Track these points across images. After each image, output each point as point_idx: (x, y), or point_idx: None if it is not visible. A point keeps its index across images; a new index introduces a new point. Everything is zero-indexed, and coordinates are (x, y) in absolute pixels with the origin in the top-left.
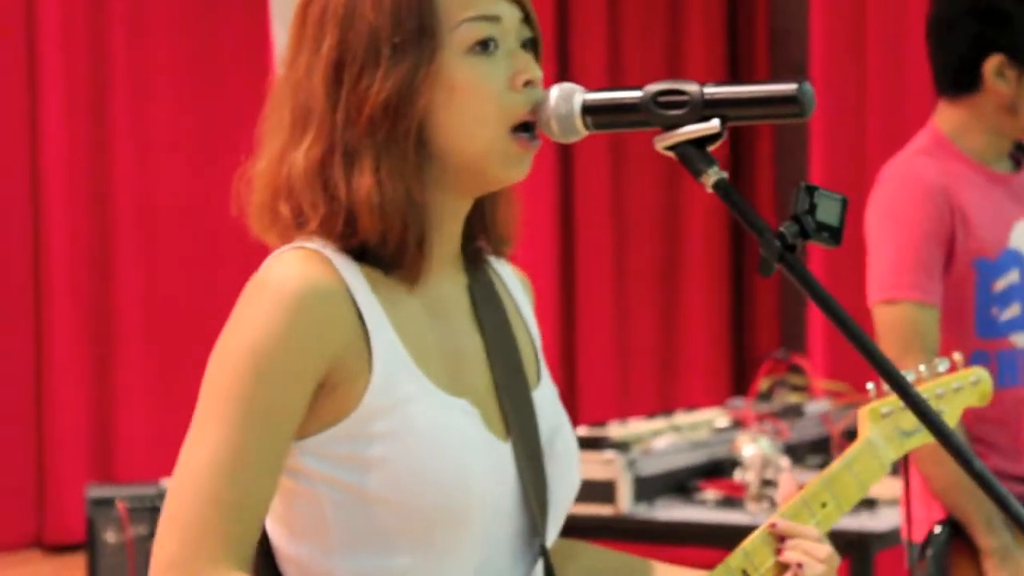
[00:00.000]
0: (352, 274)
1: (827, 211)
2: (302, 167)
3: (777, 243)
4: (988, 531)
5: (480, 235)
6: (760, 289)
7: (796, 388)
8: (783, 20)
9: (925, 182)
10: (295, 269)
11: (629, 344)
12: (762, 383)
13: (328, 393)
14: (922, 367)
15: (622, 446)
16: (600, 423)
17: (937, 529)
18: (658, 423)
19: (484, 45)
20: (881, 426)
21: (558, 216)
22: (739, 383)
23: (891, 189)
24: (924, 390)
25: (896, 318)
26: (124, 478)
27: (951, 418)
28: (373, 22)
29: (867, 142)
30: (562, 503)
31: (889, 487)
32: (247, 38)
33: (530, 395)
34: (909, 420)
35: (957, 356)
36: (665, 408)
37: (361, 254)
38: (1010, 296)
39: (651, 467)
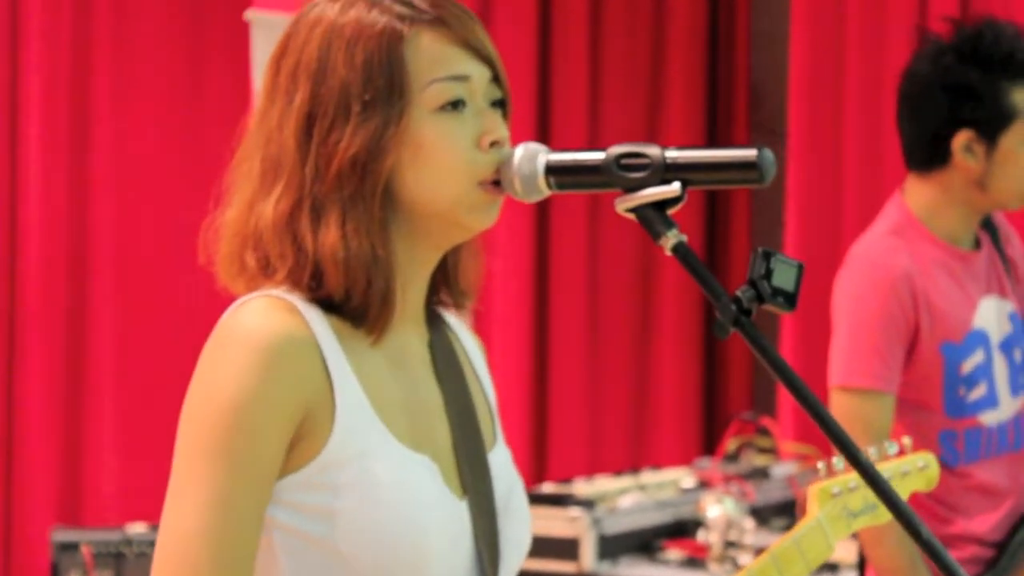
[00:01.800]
0: (319, 324)
1: (783, 276)
2: (270, 218)
3: (733, 307)
4: None
5: (443, 289)
6: (732, 350)
7: (763, 450)
8: (762, 82)
9: (892, 270)
10: (263, 318)
11: (600, 402)
12: (730, 444)
13: (297, 443)
14: (872, 449)
15: (587, 504)
16: (567, 480)
17: None
18: (624, 481)
19: (453, 105)
20: (830, 506)
21: (533, 273)
22: (709, 443)
23: (857, 273)
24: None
25: (850, 405)
26: (91, 523)
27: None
28: (344, 78)
29: (843, 205)
30: (514, 562)
31: (851, 551)
32: (230, 77)
33: (486, 455)
34: (857, 501)
35: (906, 440)
36: (635, 467)
37: (328, 305)
38: (977, 377)
39: (616, 525)
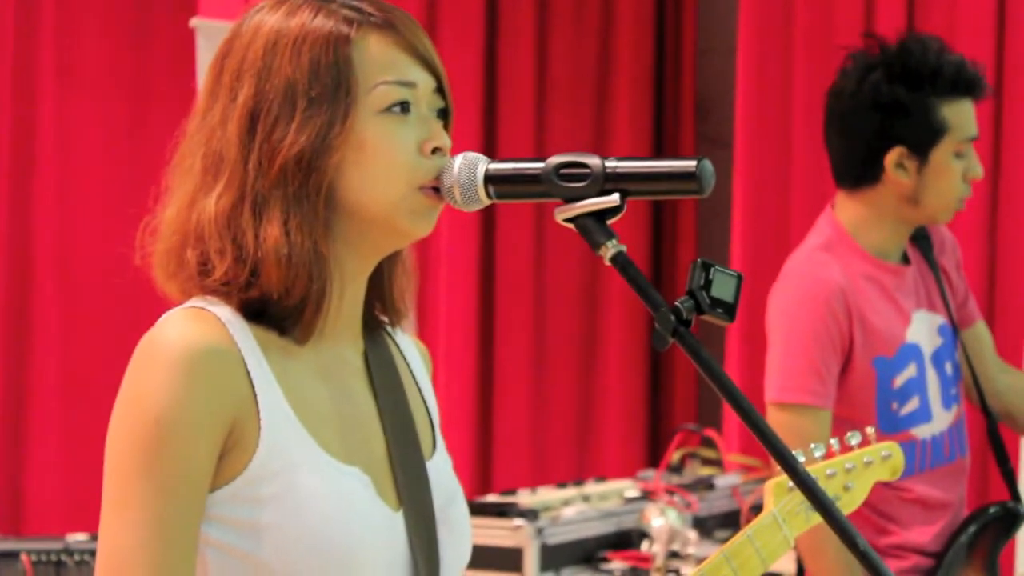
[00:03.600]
0: (243, 334)
1: (722, 287)
2: (212, 213)
3: (672, 318)
4: None
5: (377, 304)
6: (678, 362)
7: (708, 461)
8: (710, 93)
9: (825, 286)
10: (182, 331)
11: (545, 413)
12: (674, 455)
13: (225, 455)
14: (833, 441)
15: (530, 514)
16: (510, 491)
17: None
18: (568, 492)
19: (398, 108)
20: (786, 500)
21: (478, 284)
22: (654, 455)
23: (790, 289)
24: (833, 464)
25: (787, 421)
26: (31, 532)
27: (860, 492)
28: (290, 75)
29: (790, 216)
30: (453, 573)
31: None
32: (175, 84)
33: (424, 465)
34: None
35: (870, 430)
36: (580, 478)
37: (258, 311)
38: (909, 390)
39: (559, 536)
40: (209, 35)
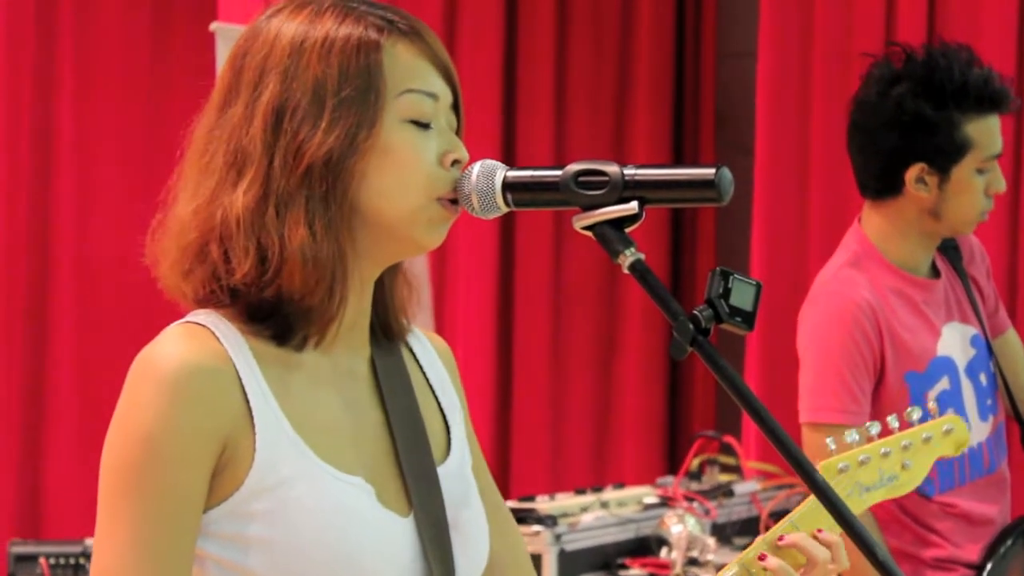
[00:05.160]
0: (239, 349)
1: (741, 296)
2: (238, 211)
3: (690, 326)
4: None
5: (381, 314)
6: (697, 368)
7: (727, 468)
8: (730, 99)
9: (855, 304)
10: (176, 348)
11: (564, 419)
12: (693, 462)
13: (220, 473)
14: (891, 418)
15: (549, 520)
16: (528, 497)
17: None
18: (587, 498)
19: (422, 120)
20: (837, 482)
21: (497, 290)
22: (673, 461)
23: (820, 307)
24: (888, 442)
25: (821, 442)
26: (49, 535)
27: (920, 469)
28: (320, 75)
29: (809, 223)
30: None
31: None
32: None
33: (435, 469)
34: (869, 475)
35: (932, 404)
36: (598, 484)
37: (267, 313)
38: (943, 404)
39: (577, 542)
40: (228, 39)
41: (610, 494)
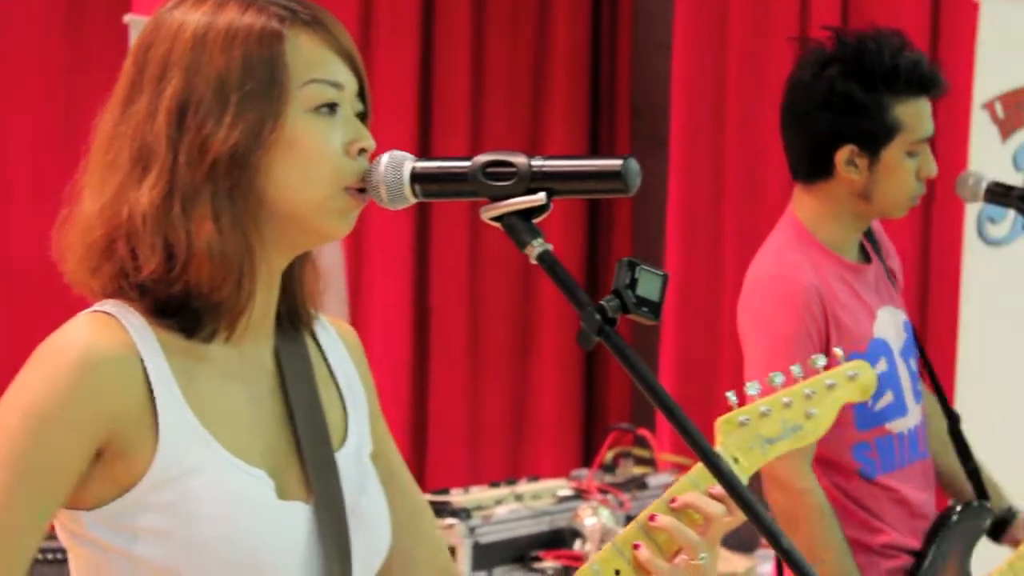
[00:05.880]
0: (146, 339)
1: (648, 286)
2: (144, 206)
3: (597, 316)
4: None
5: (288, 303)
6: (612, 361)
7: (641, 460)
8: (646, 91)
9: (802, 287)
10: (82, 334)
11: (480, 412)
12: (607, 454)
13: (110, 463)
14: (795, 367)
15: (463, 513)
16: (443, 490)
17: None
18: (501, 491)
19: (327, 108)
20: (737, 436)
21: (413, 282)
22: (588, 454)
23: (764, 294)
24: (791, 392)
25: None
26: None
27: (826, 417)
28: (222, 69)
29: (724, 214)
30: (367, 566)
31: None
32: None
33: (333, 456)
34: (771, 427)
35: (838, 351)
36: (514, 477)
37: (176, 308)
38: (882, 385)
39: (491, 535)
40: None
41: (524, 487)
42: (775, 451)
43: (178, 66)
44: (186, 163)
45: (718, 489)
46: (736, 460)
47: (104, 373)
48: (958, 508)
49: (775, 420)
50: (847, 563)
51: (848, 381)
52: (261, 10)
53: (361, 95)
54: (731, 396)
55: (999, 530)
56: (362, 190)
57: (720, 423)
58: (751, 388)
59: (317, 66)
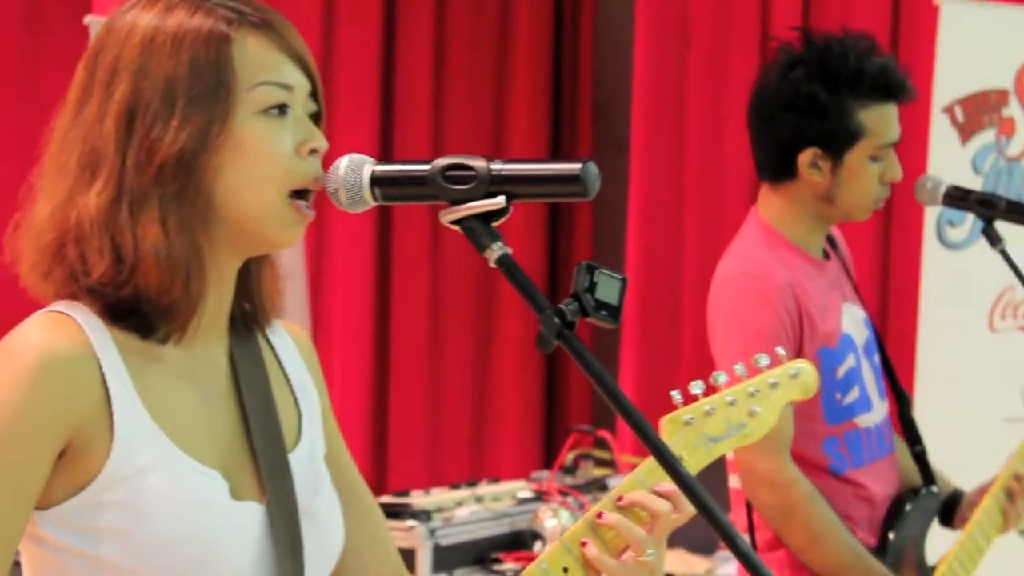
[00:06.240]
0: (102, 339)
1: (607, 290)
2: (92, 211)
3: (556, 320)
4: None
5: (246, 305)
6: (572, 364)
7: (601, 462)
8: (608, 94)
9: (776, 284)
10: (37, 336)
11: (441, 414)
12: (567, 456)
13: (69, 462)
14: (738, 366)
15: (423, 515)
16: (404, 492)
17: None
18: (461, 493)
19: (277, 109)
20: (682, 435)
21: (374, 283)
22: (549, 456)
23: (740, 291)
24: (735, 391)
25: None
26: None
27: (769, 415)
28: (170, 73)
29: (685, 217)
30: (320, 567)
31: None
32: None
33: (287, 457)
34: (716, 425)
35: (779, 350)
36: (474, 479)
37: (128, 311)
38: (850, 380)
39: (452, 537)
40: None
41: (485, 488)
42: (720, 449)
43: (127, 70)
44: (134, 167)
45: (664, 486)
46: (681, 459)
47: (63, 374)
48: (909, 497)
49: (720, 419)
50: (850, 541)
51: (790, 380)
52: (209, 13)
53: (314, 96)
54: (675, 395)
55: (948, 514)
56: (305, 195)
57: (665, 422)
58: (695, 387)
59: (266, 68)
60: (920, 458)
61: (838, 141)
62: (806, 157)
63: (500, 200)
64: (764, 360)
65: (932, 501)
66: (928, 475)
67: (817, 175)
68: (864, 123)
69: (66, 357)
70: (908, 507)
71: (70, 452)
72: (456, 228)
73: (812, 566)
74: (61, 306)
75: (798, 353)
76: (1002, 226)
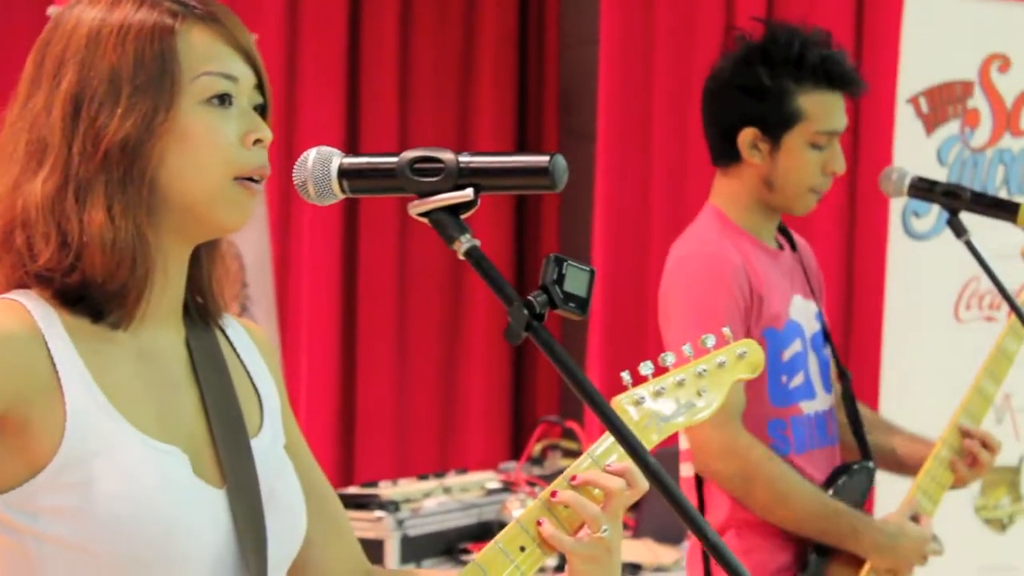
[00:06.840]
0: (50, 323)
1: (575, 282)
2: (37, 198)
3: (524, 312)
4: (855, 536)
5: (197, 294)
6: (540, 354)
7: (569, 453)
8: (573, 86)
9: (731, 265)
10: None
11: (408, 405)
12: (535, 447)
13: (17, 442)
14: (686, 347)
15: (391, 506)
16: (372, 483)
17: (812, 558)
18: (429, 484)
19: (221, 99)
20: (633, 415)
21: (341, 275)
22: (517, 447)
23: (695, 271)
24: (683, 370)
25: None
26: None
27: (717, 394)
28: (115, 63)
29: (651, 209)
30: (283, 553)
31: (665, 554)
32: None
33: (248, 444)
34: (665, 405)
35: (726, 330)
36: (442, 470)
37: (78, 297)
38: (796, 365)
39: (420, 528)
40: None
41: (453, 479)
42: (670, 429)
43: (73, 61)
44: (80, 154)
45: (615, 465)
46: None
47: (5, 350)
48: (845, 470)
49: (669, 398)
50: (814, 491)
51: (737, 359)
52: (154, 6)
53: (260, 89)
54: (625, 376)
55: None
56: (255, 180)
57: (615, 402)
58: (644, 368)
59: (209, 59)
60: (858, 434)
61: (776, 122)
62: (746, 137)
63: (468, 192)
64: (711, 340)
65: (866, 475)
66: (865, 450)
67: (757, 157)
68: (803, 107)
69: (9, 335)
70: (843, 479)
71: (11, 428)
72: (424, 220)
73: (783, 525)
74: (10, 294)
75: (747, 333)
76: (967, 217)
